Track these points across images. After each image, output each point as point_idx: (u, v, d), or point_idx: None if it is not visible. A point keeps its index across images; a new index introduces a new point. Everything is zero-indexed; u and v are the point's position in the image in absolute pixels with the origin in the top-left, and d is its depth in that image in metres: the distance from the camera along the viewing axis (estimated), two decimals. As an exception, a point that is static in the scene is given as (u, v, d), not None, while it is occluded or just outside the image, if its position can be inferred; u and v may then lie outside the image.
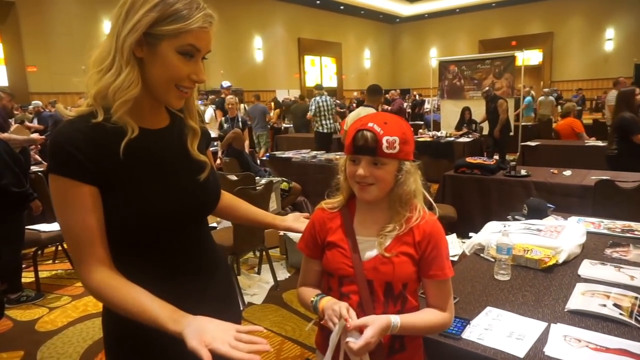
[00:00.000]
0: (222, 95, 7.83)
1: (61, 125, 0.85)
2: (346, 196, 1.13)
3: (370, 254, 1.07)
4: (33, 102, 9.99)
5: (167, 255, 0.96)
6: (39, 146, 5.41)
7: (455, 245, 2.61)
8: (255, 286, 3.47)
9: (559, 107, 10.81)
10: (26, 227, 3.71)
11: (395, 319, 1.00)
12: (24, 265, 3.93)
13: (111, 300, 0.85)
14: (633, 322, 1.29)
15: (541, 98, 10.64)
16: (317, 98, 7.48)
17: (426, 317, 1.07)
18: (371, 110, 4.28)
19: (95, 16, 13.55)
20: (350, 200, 1.14)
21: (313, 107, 7.43)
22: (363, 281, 1.06)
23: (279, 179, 4.89)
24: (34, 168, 4.60)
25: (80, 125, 0.85)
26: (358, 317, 1.01)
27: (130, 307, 0.83)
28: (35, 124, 8.31)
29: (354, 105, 10.90)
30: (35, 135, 4.60)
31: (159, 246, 0.94)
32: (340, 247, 1.10)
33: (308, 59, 20.41)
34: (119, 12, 0.86)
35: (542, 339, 1.24)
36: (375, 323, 0.97)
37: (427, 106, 12.79)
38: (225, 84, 7.90)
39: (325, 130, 7.37)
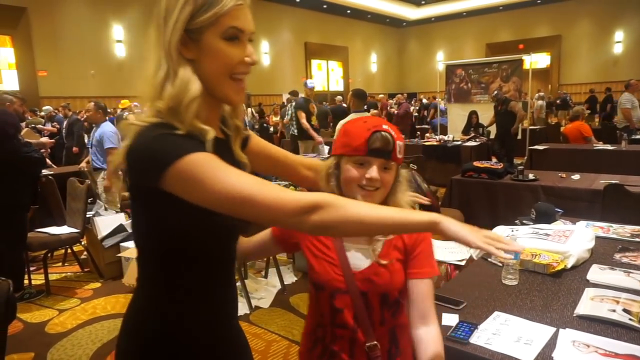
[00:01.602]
0: (304, 95, 6.94)
1: (146, 130, 0.78)
2: None
3: (361, 263, 1.03)
4: (44, 107, 10.16)
5: (223, 266, 0.95)
6: (49, 150, 5.48)
7: (462, 250, 2.60)
8: (262, 290, 3.48)
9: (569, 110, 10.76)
10: (36, 229, 3.77)
11: None
12: (33, 268, 3.99)
13: (346, 222, 0.77)
14: (643, 327, 1.28)
15: (540, 102, 10.57)
16: (294, 104, 7.31)
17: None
18: (365, 115, 4.27)
19: (106, 21, 13.72)
20: None
21: (290, 112, 7.32)
22: (356, 293, 1.02)
23: (286, 182, 4.90)
24: (44, 171, 4.65)
25: (167, 129, 0.79)
26: (355, 331, 1.02)
27: (373, 216, 0.79)
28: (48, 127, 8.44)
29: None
30: (45, 139, 4.67)
31: (216, 256, 0.92)
32: (327, 257, 1.05)
33: (315, 63, 20.48)
34: (156, 23, 0.84)
35: (551, 344, 1.23)
36: None
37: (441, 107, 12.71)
38: (310, 83, 6.89)
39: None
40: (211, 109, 0.88)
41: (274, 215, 0.76)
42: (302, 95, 6.99)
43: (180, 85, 0.81)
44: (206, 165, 0.74)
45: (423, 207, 3.92)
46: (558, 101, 14.99)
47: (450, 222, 0.82)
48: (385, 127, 1.00)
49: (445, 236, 0.82)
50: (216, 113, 0.92)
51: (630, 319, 1.31)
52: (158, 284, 0.89)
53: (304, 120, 6.40)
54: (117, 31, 13.92)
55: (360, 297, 1.02)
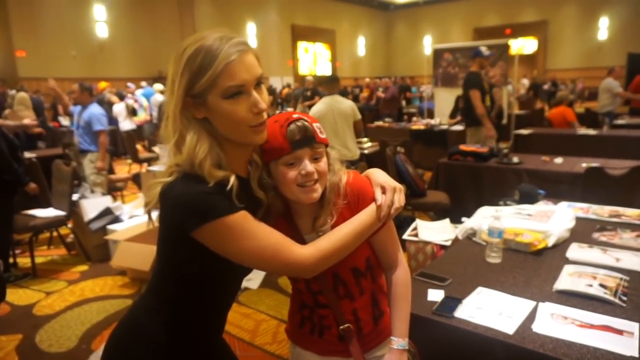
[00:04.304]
0: (474, 69, 4.92)
1: (181, 185, 0.85)
2: (282, 207, 1.03)
3: None
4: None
5: (229, 293, 1.06)
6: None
7: (448, 230, 2.66)
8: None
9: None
10: (22, 212, 3.72)
11: (400, 344, 1.05)
12: (19, 251, 3.94)
13: (335, 249, 0.95)
14: (617, 300, 1.34)
15: (509, 87, 10.69)
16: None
17: (405, 295, 1.09)
18: (340, 98, 4.16)
19: (86, 0, 13.30)
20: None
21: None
22: (327, 278, 1.03)
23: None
24: (27, 154, 4.57)
25: (200, 185, 0.85)
26: (329, 317, 1.07)
27: (348, 236, 0.96)
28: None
29: (308, 93, 9.28)
30: (27, 121, 4.58)
31: (227, 287, 1.04)
32: None
33: (302, 45, 20.24)
34: (167, 92, 0.90)
35: (531, 316, 1.29)
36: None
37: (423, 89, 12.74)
38: (486, 50, 4.96)
39: None
40: (234, 152, 0.93)
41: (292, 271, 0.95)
42: (472, 69, 5.01)
43: (189, 149, 0.87)
44: (239, 228, 0.86)
45: (412, 192, 3.94)
46: (546, 87, 15.07)
47: (377, 175, 1.03)
48: (295, 116, 0.97)
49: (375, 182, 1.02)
50: (241, 154, 0.95)
51: (605, 293, 1.38)
52: (167, 298, 0.97)
53: (479, 102, 4.70)
54: (99, 11, 13.50)
55: (330, 282, 1.04)
